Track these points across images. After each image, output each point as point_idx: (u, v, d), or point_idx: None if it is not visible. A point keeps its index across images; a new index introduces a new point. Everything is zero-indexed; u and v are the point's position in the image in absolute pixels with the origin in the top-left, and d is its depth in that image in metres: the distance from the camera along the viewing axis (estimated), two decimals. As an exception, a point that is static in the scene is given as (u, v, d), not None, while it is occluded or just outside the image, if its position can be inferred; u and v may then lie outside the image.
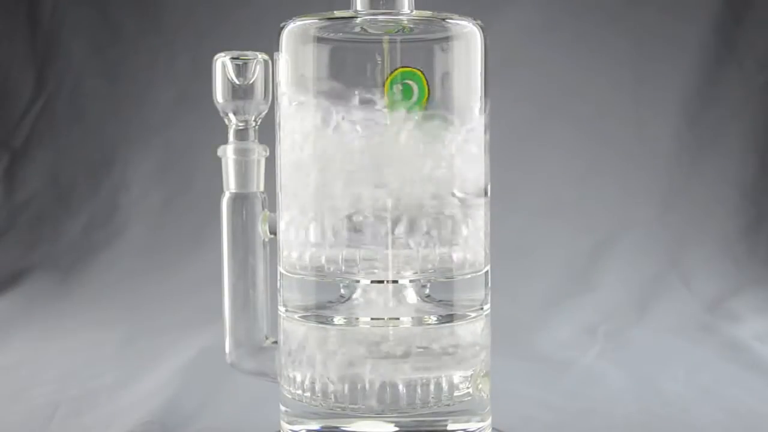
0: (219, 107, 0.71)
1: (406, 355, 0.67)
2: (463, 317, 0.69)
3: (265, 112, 0.71)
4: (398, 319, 0.68)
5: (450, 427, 0.70)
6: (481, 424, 0.71)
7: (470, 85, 0.69)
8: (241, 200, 0.72)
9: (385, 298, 0.68)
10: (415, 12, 0.69)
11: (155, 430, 0.81)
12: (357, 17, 0.69)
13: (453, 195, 0.67)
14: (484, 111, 0.70)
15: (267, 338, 0.73)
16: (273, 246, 0.72)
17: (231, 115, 0.71)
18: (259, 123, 0.71)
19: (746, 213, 1.33)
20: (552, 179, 1.32)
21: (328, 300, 0.69)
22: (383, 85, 0.66)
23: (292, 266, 0.69)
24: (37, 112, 1.41)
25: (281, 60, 0.69)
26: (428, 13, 0.69)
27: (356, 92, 0.66)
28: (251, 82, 0.70)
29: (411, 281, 0.68)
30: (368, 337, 0.67)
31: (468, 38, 0.68)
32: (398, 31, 0.68)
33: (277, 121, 0.70)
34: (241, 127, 0.71)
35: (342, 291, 0.69)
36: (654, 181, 1.33)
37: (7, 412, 0.86)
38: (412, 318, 0.68)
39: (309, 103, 0.67)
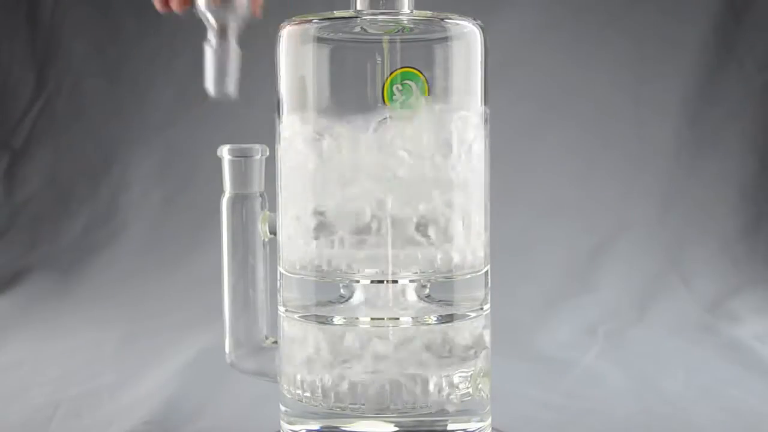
0: (199, 13, 0.68)
1: (405, 355, 0.67)
2: (463, 317, 0.69)
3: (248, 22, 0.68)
4: (398, 319, 0.68)
5: (450, 427, 0.70)
6: (481, 424, 0.71)
7: (470, 85, 0.69)
8: (241, 200, 0.72)
9: (385, 298, 0.68)
10: (415, 12, 0.69)
11: (155, 430, 0.81)
12: (357, 17, 0.69)
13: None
14: (484, 111, 0.70)
15: (267, 338, 0.73)
16: (273, 246, 0.72)
17: (210, 18, 0.67)
18: (241, 30, 0.68)
19: (746, 213, 1.33)
20: (552, 179, 1.32)
21: (328, 300, 0.69)
22: (383, 85, 0.66)
23: (292, 266, 0.69)
24: (37, 112, 1.41)
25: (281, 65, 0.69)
26: (428, 13, 0.69)
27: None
28: None
29: (411, 281, 0.68)
30: (368, 337, 0.67)
31: (468, 38, 0.68)
32: (398, 31, 0.68)
33: (277, 121, 0.70)
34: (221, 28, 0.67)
35: (342, 291, 0.69)
36: (654, 181, 1.33)
37: (7, 412, 0.86)
38: (412, 318, 0.68)
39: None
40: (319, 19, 0.68)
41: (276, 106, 0.70)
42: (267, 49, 0.71)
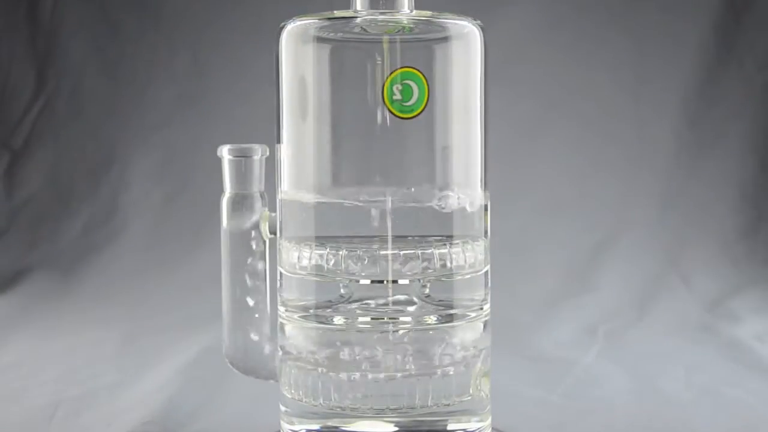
0: None
1: (405, 355, 0.67)
2: (463, 317, 0.69)
3: None
4: (398, 319, 0.68)
5: (450, 427, 0.70)
6: (481, 424, 0.71)
7: (470, 85, 0.69)
8: (241, 200, 0.72)
9: (385, 298, 0.68)
10: (415, 12, 0.69)
11: (155, 430, 0.81)
12: (357, 17, 0.69)
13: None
14: (484, 111, 0.70)
15: (267, 338, 0.73)
16: (273, 246, 0.72)
17: None
18: None
19: (746, 213, 1.33)
20: (552, 179, 1.32)
21: (328, 300, 0.69)
22: (383, 85, 0.66)
23: (292, 266, 0.69)
24: (37, 112, 1.41)
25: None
26: (428, 13, 0.69)
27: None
28: None
29: (411, 281, 0.68)
30: (368, 337, 0.67)
31: (468, 38, 0.68)
32: (398, 31, 0.68)
33: (278, 120, 0.70)
34: None
35: (342, 291, 0.69)
36: (654, 181, 1.33)
37: (7, 412, 0.86)
38: (412, 318, 0.68)
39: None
40: (319, 19, 0.68)
41: (276, 106, 0.70)
42: (267, 48, 0.71)
